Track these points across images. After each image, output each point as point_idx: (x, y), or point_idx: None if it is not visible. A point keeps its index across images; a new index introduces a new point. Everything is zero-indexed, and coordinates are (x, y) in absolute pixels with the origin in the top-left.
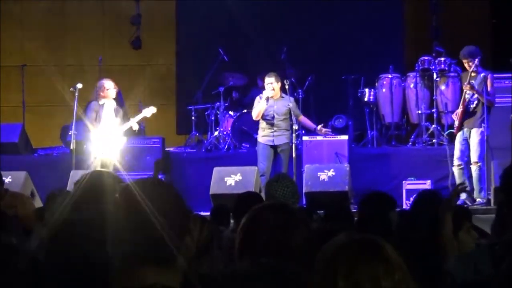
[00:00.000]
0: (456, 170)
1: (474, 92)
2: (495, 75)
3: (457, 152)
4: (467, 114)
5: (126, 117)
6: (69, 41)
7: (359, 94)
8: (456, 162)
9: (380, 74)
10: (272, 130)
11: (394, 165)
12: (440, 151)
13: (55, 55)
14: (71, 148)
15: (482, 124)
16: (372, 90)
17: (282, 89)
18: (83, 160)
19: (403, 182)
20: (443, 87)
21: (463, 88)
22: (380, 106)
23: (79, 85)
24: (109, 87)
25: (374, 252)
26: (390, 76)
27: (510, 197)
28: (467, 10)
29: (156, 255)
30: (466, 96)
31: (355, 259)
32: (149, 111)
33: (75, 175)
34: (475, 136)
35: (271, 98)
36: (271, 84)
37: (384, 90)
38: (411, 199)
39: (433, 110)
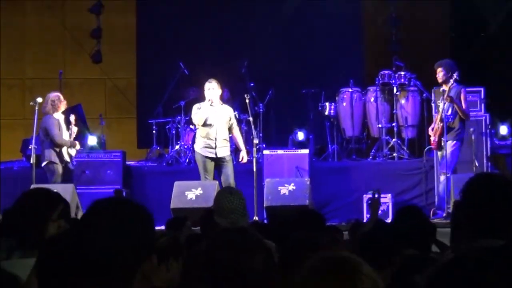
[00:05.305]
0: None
1: (454, 105)
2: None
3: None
4: (446, 129)
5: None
6: (29, 55)
7: (320, 108)
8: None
9: (341, 88)
10: (213, 140)
11: (355, 179)
12: (400, 165)
13: (16, 68)
14: (31, 162)
15: (457, 137)
16: (333, 104)
17: (243, 104)
18: (43, 174)
19: (364, 196)
20: (403, 101)
21: (445, 100)
22: (341, 120)
23: (39, 99)
24: (63, 99)
25: (348, 273)
26: (350, 90)
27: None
28: (427, 25)
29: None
30: (440, 109)
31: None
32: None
33: None
34: (448, 148)
35: (211, 105)
36: (213, 89)
37: (344, 104)
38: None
39: (393, 124)
